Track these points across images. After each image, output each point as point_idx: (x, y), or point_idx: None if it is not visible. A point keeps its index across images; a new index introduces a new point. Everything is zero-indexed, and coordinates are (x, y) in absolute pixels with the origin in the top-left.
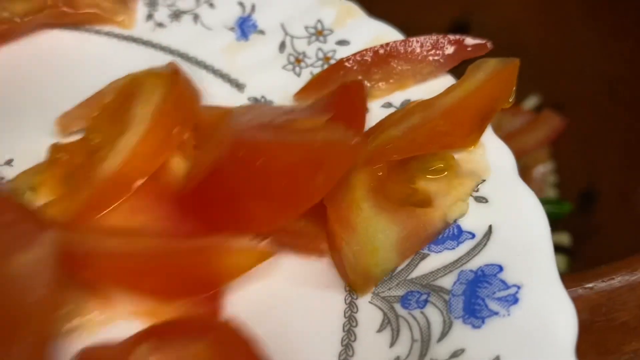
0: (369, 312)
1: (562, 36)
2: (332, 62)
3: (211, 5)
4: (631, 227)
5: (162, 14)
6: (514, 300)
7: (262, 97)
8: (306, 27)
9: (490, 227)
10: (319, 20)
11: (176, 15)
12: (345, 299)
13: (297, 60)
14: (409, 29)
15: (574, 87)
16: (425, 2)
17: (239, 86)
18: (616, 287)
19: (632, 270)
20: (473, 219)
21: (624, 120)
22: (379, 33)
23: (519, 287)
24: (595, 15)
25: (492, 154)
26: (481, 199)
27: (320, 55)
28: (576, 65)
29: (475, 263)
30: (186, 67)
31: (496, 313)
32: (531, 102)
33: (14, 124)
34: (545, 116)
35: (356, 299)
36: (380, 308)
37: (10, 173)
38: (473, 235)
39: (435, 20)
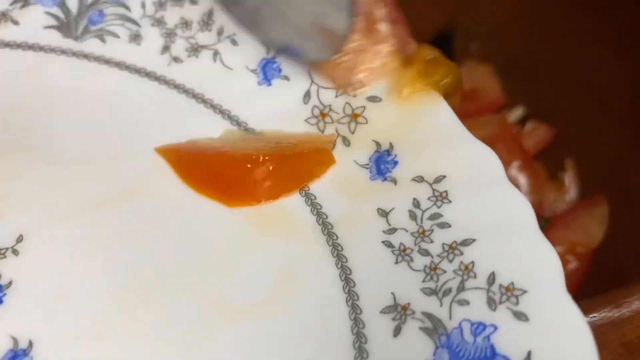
0: None
1: (550, 45)
2: (361, 119)
3: (234, 42)
4: None
5: (179, 46)
6: None
7: None
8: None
9: (529, 353)
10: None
11: (195, 49)
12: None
13: (322, 114)
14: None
15: (562, 96)
16: (410, 10)
17: (255, 137)
18: (598, 325)
19: (616, 307)
20: (510, 339)
21: (612, 131)
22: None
23: None
24: (584, 23)
25: (536, 255)
26: (521, 316)
27: (349, 110)
28: (564, 75)
29: None
30: (199, 110)
31: None
32: (517, 112)
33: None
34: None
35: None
36: None
37: None
38: None
39: (420, 29)
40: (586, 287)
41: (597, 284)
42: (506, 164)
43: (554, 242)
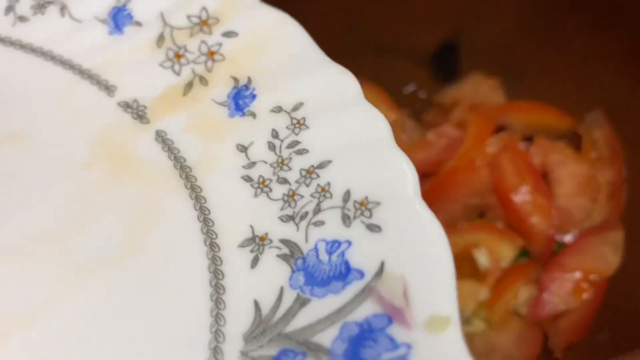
0: None
1: (559, 57)
2: (217, 57)
3: None
4: None
5: (24, 5)
6: None
7: (135, 101)
8: (189, 16)
9: (382, 263)
10: (203, 8)
11: (41, 6)
12: None
13: (177, 56)
14: (398, 49)
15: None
16: (414, 21)
17: (108, 89)
18: None
19: None
20: (364, 253)
21: (623, 146)
22: (271, 22)
23: (409, 347)
24: (595, 35)
25: (390, 168)
26: (374, 228)
27: (204, 49)
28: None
29: (361, 313)
30: (49, 68)
31: None
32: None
33: None
34: None
35: None
36: None
37: None
38: (362, 275)
39: (424, 40)
40: (601, 319)
41: (612, 316)
42: (514, 184)
43: (568, 269)
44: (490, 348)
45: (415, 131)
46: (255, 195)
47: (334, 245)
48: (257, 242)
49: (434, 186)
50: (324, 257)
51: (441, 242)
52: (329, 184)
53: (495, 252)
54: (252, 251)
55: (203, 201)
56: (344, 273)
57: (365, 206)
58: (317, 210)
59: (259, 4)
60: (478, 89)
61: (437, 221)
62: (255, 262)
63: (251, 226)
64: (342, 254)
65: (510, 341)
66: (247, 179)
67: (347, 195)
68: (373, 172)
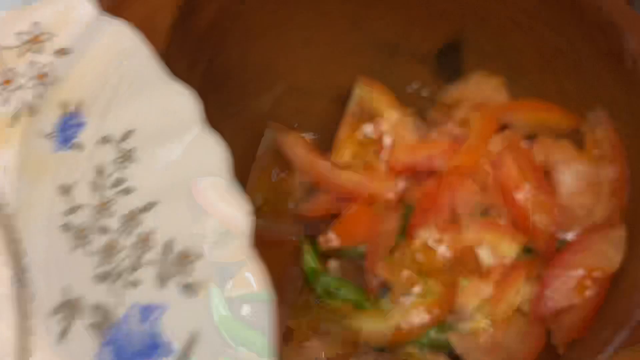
0: None
1: (561, 56)
2: (47, 79)
3: None
4: None
5: None
6: None
7: None
8: (19, 34)
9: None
10: (35, 23)
11: None
12: None
13: (5, 82)
14: (400, 49)
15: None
16: (416, 21)
17: None
18: None
19: None
20: (178, 320)
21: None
22: (108, 37)
23: None
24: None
25: (223, 215)
26: (191, 289)
27: (34, 72)
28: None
29: None
30: None
31: None
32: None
33: None
34: None
35: None
36: None
37: None
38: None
39: (427, 39)
40: (603, 315)
41: (615, 311)
42: (517, 182)
43: (570, 266)
44: (494, 345)
45: (419, 129)
46: (73, 248)
47: (147, 311)
48: (69, 308)
49: (438, 184)
50: (135, 326)
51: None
52: (151, 232)
53: (498, 249)
54: (63, 319)
55: (23, 256)
56: (153, 347)
57: (187, 260)
58: (135, 266)
59: (98, 16)
60: (481, 88)
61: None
62: (64, 333)
63: (65, 288)
64: (155, 321)
65: (513, 337)
66: (66, 228)
67: (169, 246)
68: (198, 220)
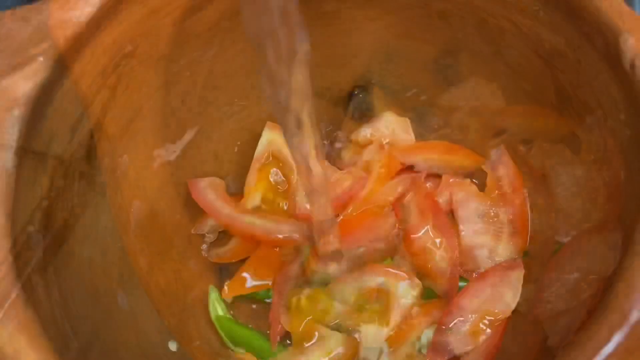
0: None
1: (462, 96)
2: None
3: None
4: None
5: None
6: None
7: None
8: None
9: None
10: None
11: None
12: None
13: None
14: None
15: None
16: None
17: None
18: None
19: None
20: None
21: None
22: None
23: None
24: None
25: None
26: None
27: None
28: None
29: None
30: None
31: None
32: None
33: None
34: None
35: None
36: None
37: None
38: None
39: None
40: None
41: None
42: (417, 224)
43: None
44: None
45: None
46: None
47: None
48: None
49: (342, 228)
50: None
51: None
52: None
53: (395, 294)
54: None
55: None
56: None
57: None
58: None
59: None
60: (389, 128)
61: None
62: None
63: None
64: None
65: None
66: None
67: None
68: None
